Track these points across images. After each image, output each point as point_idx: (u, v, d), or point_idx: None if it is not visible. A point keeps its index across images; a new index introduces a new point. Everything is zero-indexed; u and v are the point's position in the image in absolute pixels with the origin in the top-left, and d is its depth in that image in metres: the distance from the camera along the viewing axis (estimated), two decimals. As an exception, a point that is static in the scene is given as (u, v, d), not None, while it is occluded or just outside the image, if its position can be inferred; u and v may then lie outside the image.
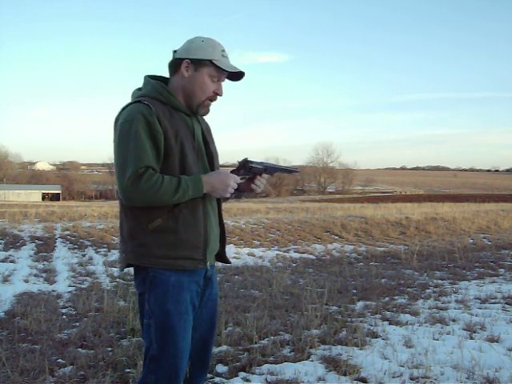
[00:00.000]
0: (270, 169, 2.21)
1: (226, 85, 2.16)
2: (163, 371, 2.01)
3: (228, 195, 2.08)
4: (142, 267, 2.04)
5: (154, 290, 2.02)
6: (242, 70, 2.12)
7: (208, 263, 2.09)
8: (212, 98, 2.13)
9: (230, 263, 2.32)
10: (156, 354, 2.02)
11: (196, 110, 2.11)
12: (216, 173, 2.07)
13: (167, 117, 2.02)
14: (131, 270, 2.12)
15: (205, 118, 2.27)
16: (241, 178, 2.13)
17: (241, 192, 2.23)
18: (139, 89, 2.13)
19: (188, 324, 2.05)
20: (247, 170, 2.16)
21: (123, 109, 2.04)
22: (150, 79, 2.12)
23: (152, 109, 1.98)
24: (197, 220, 2.04)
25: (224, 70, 2.07)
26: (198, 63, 2.06)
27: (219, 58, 2.06)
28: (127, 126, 1.96)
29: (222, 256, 2.25)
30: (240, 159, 2.18)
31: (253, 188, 2.19)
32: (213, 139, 2.28)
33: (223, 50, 2.10)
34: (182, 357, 2.03)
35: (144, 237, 2.00)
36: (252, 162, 2.16)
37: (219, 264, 2.33)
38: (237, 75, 2.15)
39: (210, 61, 2.05)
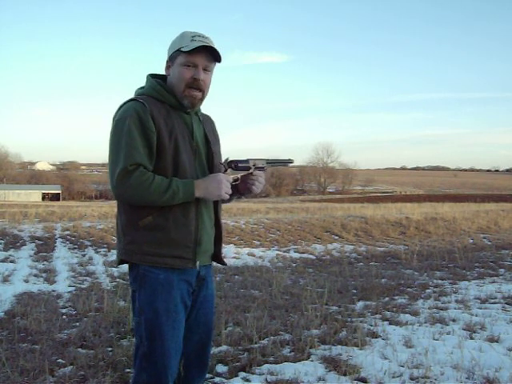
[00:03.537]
0: (258, 164, 2.13)
1: (226, 85, 2.16)
2: (155, 369, 2.01)
3: (224, 198, 2.05)
4: (134, 264, 2.05)
5: (143, 288, 2.02)
6: (206, 44, 2.00)
7: (198, 263, 2.08)
8: (192, 85, 2.05)
9: (225, 265, 2.31)
10: (147, 351, 2.02)
11: (182, 102, 2.07)
12: (209, 177, 2.04)
13: (163, 115, 2.01)
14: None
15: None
16: (233, 179, 2.10)
17: (240, 193, 2.20)
18: (141, 87, 2.14)
19: (178, 323, 2.04)
20: (233, 168, 2.10)
21: (120, 106, 2.05)
22: (150, 77, 2.13)
23: (146, 106, 1.98)
24: (188, 219, 2.03)
25: (189, 51, 1.98)
26: (173, 58, 2.07)
27: (187, 44, 2.01)
28: (121, 123, 1.97)
29: (217, 257, 2.24)
30: (222, 161, 2.13)
31: (249, 187, 2.15)
32: (217, 139, 2.27)
33: (194, 36, 2.02)
34: (170, 355, 2.02)
35: (135, 233, 2.01)
36: (236, 161, 2.11)
37: (218, 264, 2.32)
38: (216, 55, 2.06)
39: (179, 50, 2.04)
